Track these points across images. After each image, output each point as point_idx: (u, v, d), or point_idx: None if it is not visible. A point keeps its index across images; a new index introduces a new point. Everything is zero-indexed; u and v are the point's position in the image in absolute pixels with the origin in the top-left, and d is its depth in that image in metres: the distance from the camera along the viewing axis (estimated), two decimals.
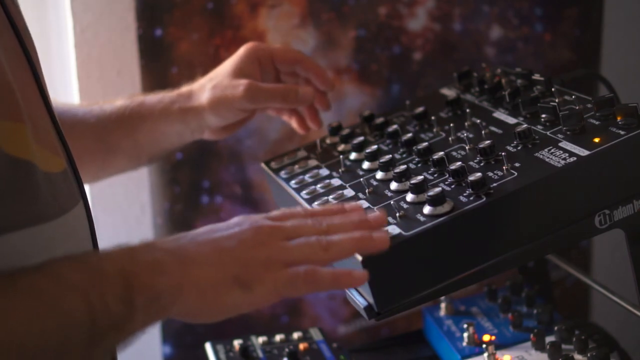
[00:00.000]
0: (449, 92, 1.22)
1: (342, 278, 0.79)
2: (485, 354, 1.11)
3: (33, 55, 0.86)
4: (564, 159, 0.92)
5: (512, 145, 0.98)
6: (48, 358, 0.66)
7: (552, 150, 0.94)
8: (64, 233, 0.78)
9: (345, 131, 1.15)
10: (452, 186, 0.94)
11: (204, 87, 1.16)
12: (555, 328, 1.13)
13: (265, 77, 1.19)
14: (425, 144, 1.03)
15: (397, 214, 0.91)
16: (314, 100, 1.18)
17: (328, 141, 1.17)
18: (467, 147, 1.02)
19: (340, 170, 1.07)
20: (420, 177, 0.94)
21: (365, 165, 1.05)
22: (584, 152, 0.92)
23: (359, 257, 0.86)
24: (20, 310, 0.65)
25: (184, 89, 1.18)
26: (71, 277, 0.69)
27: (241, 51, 1.18)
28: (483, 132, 1.04)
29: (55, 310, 0.67)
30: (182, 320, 0.78)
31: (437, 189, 0.90)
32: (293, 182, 1.08)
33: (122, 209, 1.51)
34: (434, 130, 1.10)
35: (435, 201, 0.89)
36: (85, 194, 0.86)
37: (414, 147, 1.03)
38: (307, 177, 1.08)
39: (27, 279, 0.68)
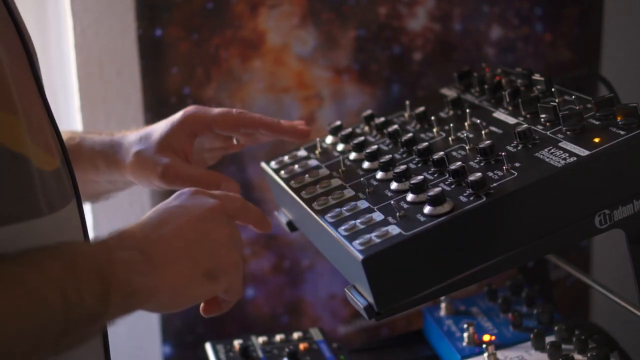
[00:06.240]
0: (449, 92, 1.22)
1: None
2: (485, 354, 1.11)
3: (33, 54, 0.87)
4: (564, 159, 0.92)
5: (512, 145, 0.98)
6: (25, 344, 0.69)
7: (552, 150, 0.94)
8: (55, 230, 0.79)
9: (345, 131, 1.15)
10: (452, 186, 0.94)
11: (131, 147, 1.09)
12: (555, 328, 1.13)
13: (204, 141, 1.14)
14: (425, 144, 1.03)
15: (397, 214, 0.91)
16: (238, 190, 1.07)
17: (328, 141, 1.17)
18: (467, 147, 1.02)
19: (340, 170, 1.07)
20: (420, 177, 0.94)
21: (365, 165, 1.05)
22: (584, 152, 0.92)
23: (360, 257, 0.86)
24: (3, 298, 0.68)
25: (117, 136, 1.11)
26: (51, 271, 0.72)
27: (177, 119, 1.08)
28: (483, 132, 1.04)
29: (34, 300, 0.70)
30: (150, 311, 0.82)
31: (437, 189, 0.90)
32: (293, 182, 1.08)
33: (122, 209, 1.51)
34: (434, 130, 1.10)
35: (435, 201, 0.89)
36: (79, 192, 0.87)
37: (414, 147, 1.03)
38: (307, 177, 1.08)
39: (10, 269, 0.70)
